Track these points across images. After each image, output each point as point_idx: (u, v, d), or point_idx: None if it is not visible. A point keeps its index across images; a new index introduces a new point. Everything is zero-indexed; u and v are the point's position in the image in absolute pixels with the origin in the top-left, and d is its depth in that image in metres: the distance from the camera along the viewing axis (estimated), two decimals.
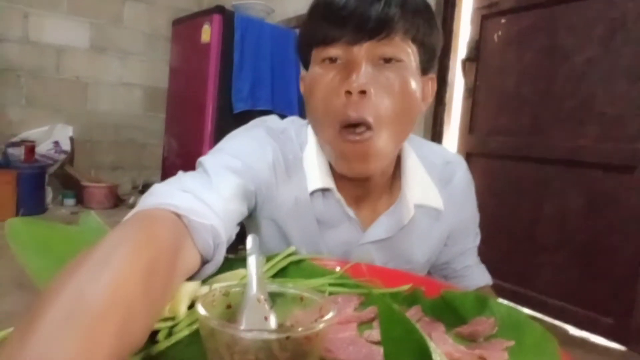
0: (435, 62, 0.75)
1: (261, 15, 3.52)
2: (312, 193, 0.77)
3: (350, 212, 0.78)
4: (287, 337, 0.38)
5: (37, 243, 0.51)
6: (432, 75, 0.77)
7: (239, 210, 0.70)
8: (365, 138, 0.66)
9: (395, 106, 0.67)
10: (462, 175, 0.86)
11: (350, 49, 0.66)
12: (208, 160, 0.72)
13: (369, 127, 0.66)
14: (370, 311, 0.58)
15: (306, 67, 0.76)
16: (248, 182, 0.72)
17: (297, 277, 0.68)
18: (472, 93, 2.74)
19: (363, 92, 0.65)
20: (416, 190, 0.78)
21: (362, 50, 0.66)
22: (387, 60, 0.67)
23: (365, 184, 0.77)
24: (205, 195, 0.62)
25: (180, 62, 3.68)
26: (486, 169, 2.67)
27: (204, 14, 3.38)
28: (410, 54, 0.68)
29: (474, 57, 2.72)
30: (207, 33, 3.26)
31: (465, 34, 2.82)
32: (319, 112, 0.70)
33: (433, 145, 0.90)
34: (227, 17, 3.24)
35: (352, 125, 0.66)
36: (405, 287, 0.66)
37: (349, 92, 0.65)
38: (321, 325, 0.40)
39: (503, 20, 2.58)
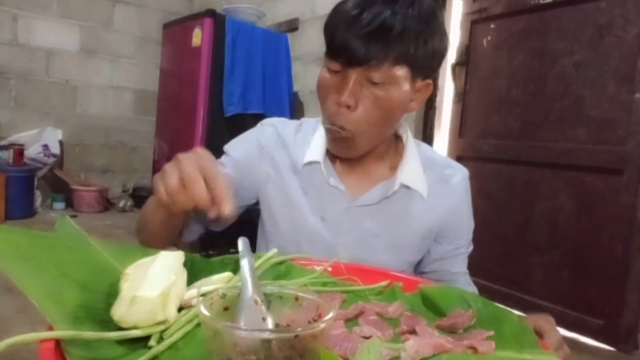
0: (433, 66, 0.84)
1: (252, 19, 3.52)
2: (305, 165, 0.92)
3: (334, 181, 0.91)
4: (296, 336, 0.40)
5: (19, 251, 0.52)
6: (429, 81, 0.86)
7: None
8: (342, 136, 0.83)
9: (377, 117, 0.81)
10: (461, 179, 0.97)
11: (345, 69, 0.79)
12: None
13: (345, 130, 0.81)
14: (354, 308, 0.60)
15: None
16: (238, 173, 0.93)
17: (279, 279, 0.70)
18: (462, 97, 2.76)
19: (348, 106, 0.79)
20: (406, 173, 0.91)
21: (354, 74, 0.78)
22: (374, 83, 0.78)
23: (354, 159, 0.92)
24: None
25: (171, 65, 3.67)
26: (477, 172, 2.68)
27: (195, 18, 3.38)
28: (398, 74, 0.78)
29: (464, 61, 2.74)
30: (198, 36, 3.25)
31: (455, 39, 2.84)
32: (320, 105, 0.87)
33: (442, 154, 1.04)
34: (218, 20, 3.24)
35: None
36: (384, 284, 0.71)
37: (338, 104, 0.80)
38: (326, 324, 0.42)
39: (492, 25, 2.61)
